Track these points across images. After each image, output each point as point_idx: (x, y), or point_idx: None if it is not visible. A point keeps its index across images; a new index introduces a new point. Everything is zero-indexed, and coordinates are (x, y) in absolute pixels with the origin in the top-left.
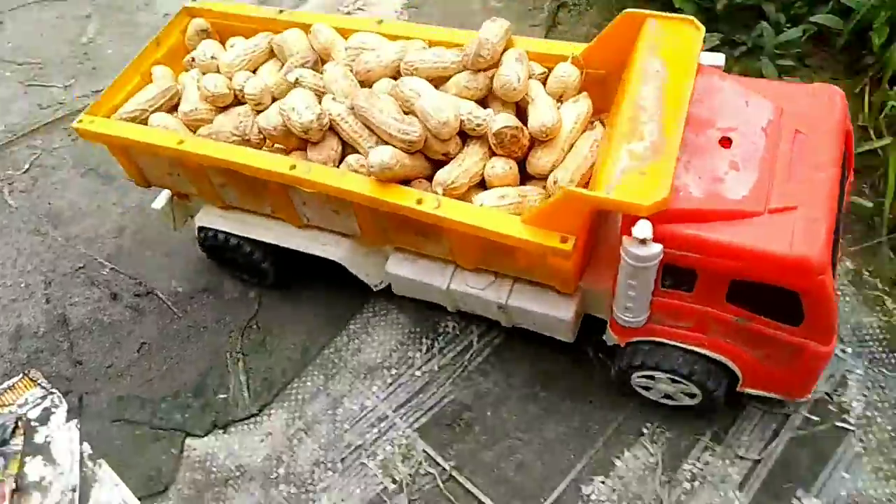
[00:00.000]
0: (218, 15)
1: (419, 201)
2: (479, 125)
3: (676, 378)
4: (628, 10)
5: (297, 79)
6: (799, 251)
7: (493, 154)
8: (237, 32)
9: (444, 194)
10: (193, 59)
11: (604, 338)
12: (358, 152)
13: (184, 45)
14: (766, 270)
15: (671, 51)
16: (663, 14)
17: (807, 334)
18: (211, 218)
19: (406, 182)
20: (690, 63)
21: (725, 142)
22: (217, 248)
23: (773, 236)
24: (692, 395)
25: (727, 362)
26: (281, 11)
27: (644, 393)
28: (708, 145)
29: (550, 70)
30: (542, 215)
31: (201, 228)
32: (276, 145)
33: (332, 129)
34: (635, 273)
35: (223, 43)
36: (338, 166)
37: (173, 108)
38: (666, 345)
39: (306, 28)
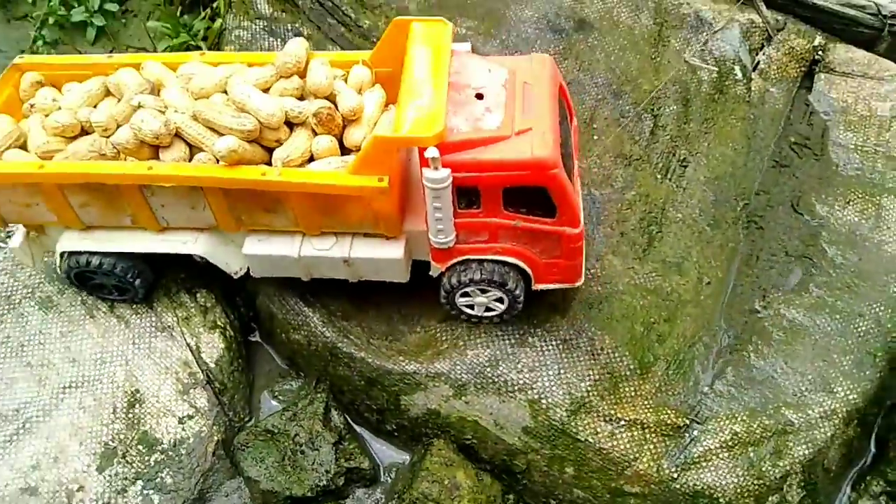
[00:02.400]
0: (48, 67)
1: (263, 174)
2: (300, 112)
3: (485, 288)
4: (396, 18)
5: (139, 103)
6: (537, 154)
7: (316, 134)
8: (69, 80)
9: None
10: (33, 106)
11: (430, 273)
12: (203, 151)
13: (18, 99)
14: (520, 173)
15: (431, 41)
16: (422, 18)
17: (560, 222)
18: (73, 241)
19: None
20: (446, 48)
21: (479, 96)
22: (83, 273)
23: (520, 149)
24: (500, 302)
25: (519, 263)
26: (110, 55)
27: (470, 312)
28: (467, 100)
29: (348, 73)
30: (360, 162)
31: (63, 255)
32: (129, 158)
33: (178, 136)
34: (437, 195)
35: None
36: None
37: (22, 148)
38: (472, 260)
39: (137, 67)
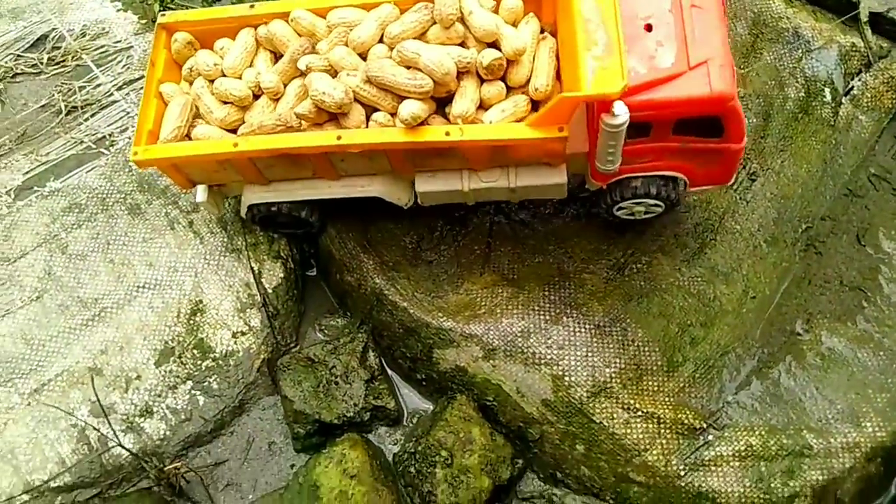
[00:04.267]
0: (192, 24)
1: (447, 133)
2: (468, 63)
3: (648, 198)
4: None
5: (307, 65)
6: (717, 89)
7: (482, 81)
8: (216, 35)
9: (463, 122)
10: (191, 70)
11: (586, 187)
12: (378, 111)
13: (173, 61)
14: (698, 108)
15: None
16: None
17: (727, 141)
18: (259, 195)
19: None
20: None
21: (648, 27)
22: (267, 217)
23: (698, 84)
24: (659, 206)
25: (678, 175)
26: (251, 6)
27: (627, 217)
28: (637, 34)
29: (498, 4)
30: (543, 117)
31: (251, 206)
32: (310, 124)
33: (355, 98)
34: (613, 136)
35: (204, 47)
36: (366, 125)
37: (196, 116)
38: (635, 177)
39: (283, 17)
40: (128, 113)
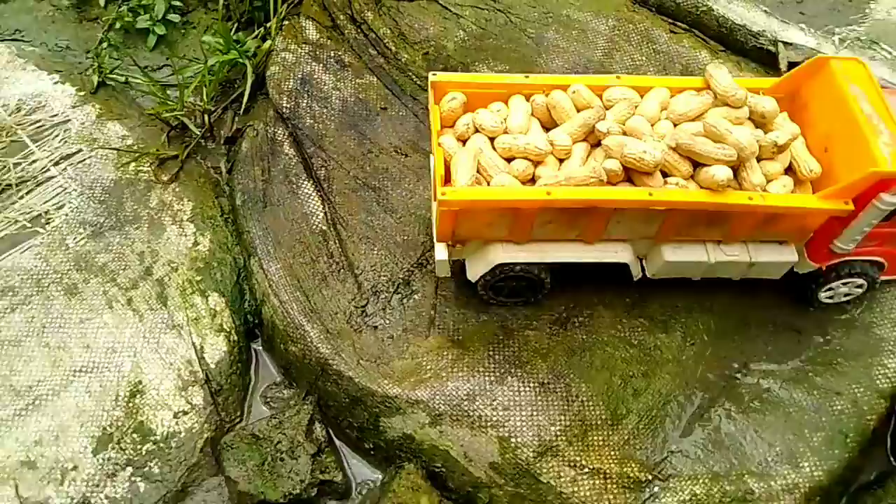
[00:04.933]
0: (464, 85)
1: (750, 198)
2: (763, 143)
3: (857, 279)
4: (818, 56)
5: (608, 129)
6: None
7: (761, 159)
8: (485, 99)
9: (761, 190)
10: (468, 126)
11: (795, 269)
12: (671, 175)
13: (441, 116)
14: None
15: (857, 78)
16: (839, 56)
17: None
18: (510, 255)
19: None
20: (876, 84)
21: None
22: (506, 279)
23: None
24: (861, 287)
25: (883, 261)
26: (527, 76)
27: (827, 301)
28: None
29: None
30: (841, 191)
31: (497, 266)
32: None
33: None
34: (878, 215)
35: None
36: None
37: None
38: (852, 260)
39: (554, 87)
40: (65, 189)
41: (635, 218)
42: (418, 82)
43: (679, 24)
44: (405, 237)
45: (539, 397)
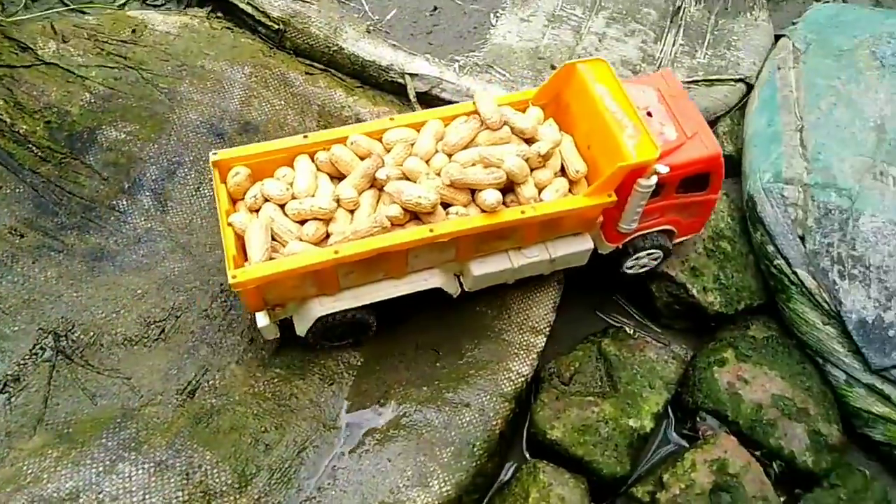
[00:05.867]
0: (247, 157)
1: (523, 212)
2: (529, 157)
3: (651, 251)
4: (567, 62)
5: (386, 175)
6: (712, 151)
7: (532, 169)
8: (270, 166)
9: (535, 201)
10: (256, 198)
11: (600, 252)
12: (452, 205)
13: (230, 195)
14: (702, 166)
15: (603, 78)
16: (584, 60)
17: (711, 193)
18: (327, 306)
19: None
20: (617, 82)
21: (649, 114)
22: (330, 328)
23: (699, 148)
24: (657, 258)
25: (672, 228)
26: (305, 136)
27: (630, 272)
28: (644, 119)
29: (524, 112)
30: (601, 187)
31: (319, 319)
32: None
33: None
34: (643, 197)
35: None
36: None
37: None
38: (643, 234)
39: (335, 142)
40: None
41: (430, 250)
42: (39, 154)
43: (316, 65)
44: (14, 328)
45: (154, 478)
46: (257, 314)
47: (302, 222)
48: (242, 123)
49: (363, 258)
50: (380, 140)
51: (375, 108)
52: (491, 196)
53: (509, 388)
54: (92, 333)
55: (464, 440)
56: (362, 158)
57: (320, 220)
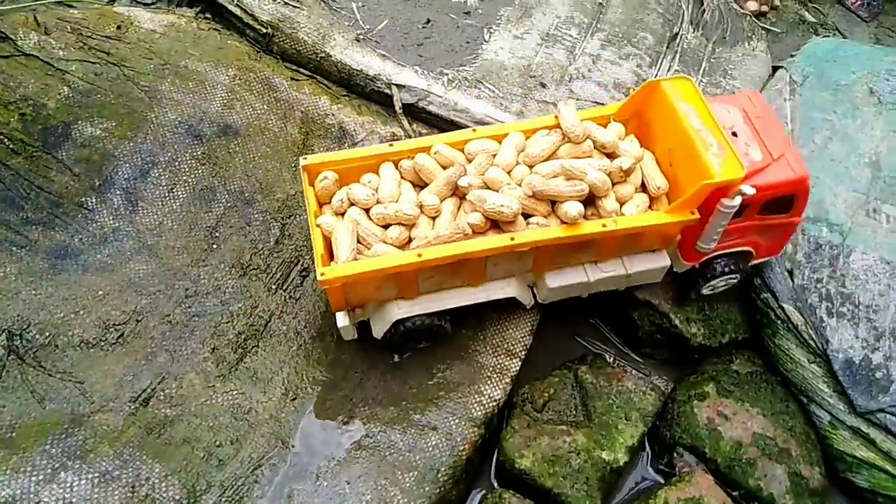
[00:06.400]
0: (335, 163)
1: (604, 225)
2: (611, 171)
3: (728, 272)
4: (649, 80)
5: (469, 184)
6: (798, 173)
7: (614, 184)
8: (357, 172)
9: (616, 215)
10: (342, 201)
11: (676, 270)
12: (532, 216)
13: (316, 195)
14: (787, 188)
15: (687, 96)
16: (668, 77)
17: (793, 215)
18: (405, 310)
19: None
20: (703, 100)
21: (734, 134)
22: (406, 332)
23: (785, 170)
24: (734, 279)
25: (751, 249)
26: (391, 144)
27: (704, 292)
28: (730, 138)
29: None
30: (684, 204)
31: (397, 322)
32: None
33: None
34: (725, 217)
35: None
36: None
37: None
38: (721, 255)
39: (419, 151)
40: None
41: (508, 259)
42: (11, 146)
43: (302, 70)
44: None
45: (97, 490)
46: (338, 314)
47: (385, 226)
48: (222, 126)
49: (444, 263)
50: (462, 150)
51: (360, 117)
52: (573, 208)
53: (479, 413)
54: (48, 334)
55: (428, 465)
56: (444, 168)
57: (403, 224)
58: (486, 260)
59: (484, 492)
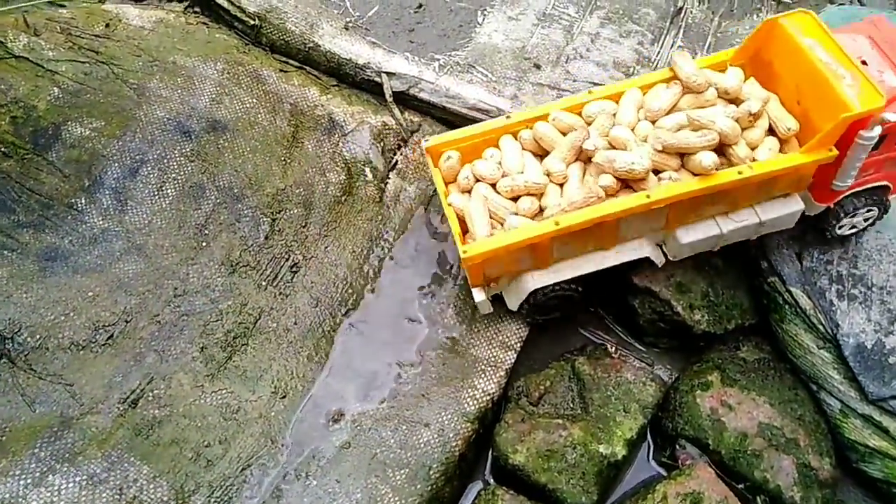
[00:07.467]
0: (456, 142)
1: (740, 172)
2: (739, 117)
3: (869, 208)
4: (767, 18)
5: (594, 146)
6: None
7: (742, 129)
8: (478, 148)
9: (749, 161)
10: (468, 178)
11: (808, 213)
12: (663, 171)
13: (442, 175)
14: None
15: (810, 31)
16: (787, 13)
17: None
18: (541, 279)
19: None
20: (828, 32)
21: (864, 62)
22: (541, 302)
23: None
24: (874, 214)
25: (888, 183)
26: (507, 116)
27: (839, 232)
28: (860, 67)
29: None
30: (821, 141)
31: (534, 292)
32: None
33: None
34: (864, 150)
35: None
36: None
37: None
38: (856, 192)
39: (535, 119)
40: None
41: (642, 218)
42: (2, 149)
43: (291, 62)
44: None
45: (84, 492)
46: (474, 290)
47: (514, 199)
48: (211, 121)
49: (579, 229)
50: (579, 115)
51: (350, 107)
52: (708, 158)
53: (473, 408)
54: (38, 336)
55: (420, 462)
56: (564, 134)
57: (532, 194)
58: (620, 221)
59: (479, 487)
